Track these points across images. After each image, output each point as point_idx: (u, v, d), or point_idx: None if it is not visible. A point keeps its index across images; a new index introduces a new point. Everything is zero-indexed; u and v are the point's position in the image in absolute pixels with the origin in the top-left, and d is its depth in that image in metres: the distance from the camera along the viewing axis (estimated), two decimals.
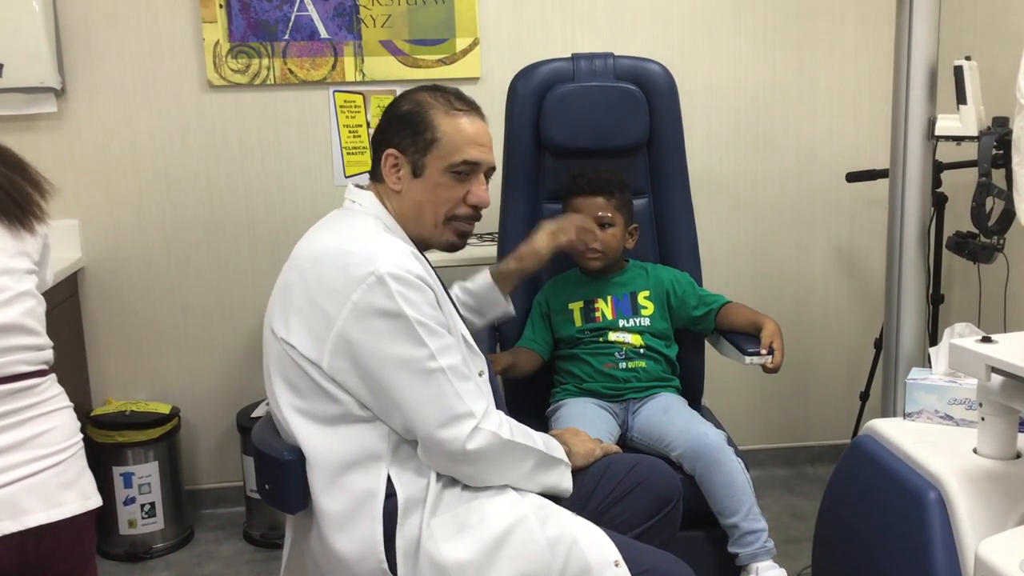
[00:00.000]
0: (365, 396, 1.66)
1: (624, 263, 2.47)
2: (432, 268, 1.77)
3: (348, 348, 1.63)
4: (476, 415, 1.65)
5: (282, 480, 1.74)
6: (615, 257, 2.41)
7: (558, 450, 1.83)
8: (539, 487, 1.78)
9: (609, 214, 2.35)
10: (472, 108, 1.82)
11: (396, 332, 1.61)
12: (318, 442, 1.68)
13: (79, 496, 1.61)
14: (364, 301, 1.60)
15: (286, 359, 1.69)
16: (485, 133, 1.81)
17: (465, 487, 1.72)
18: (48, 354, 1.66)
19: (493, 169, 1.84)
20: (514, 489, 1.74)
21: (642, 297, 2.42)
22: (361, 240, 1.69)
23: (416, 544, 1.65)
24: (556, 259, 2.51)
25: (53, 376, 1.66)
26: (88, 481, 1.65)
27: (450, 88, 1.84)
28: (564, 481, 1.82)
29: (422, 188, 1.76)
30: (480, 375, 1.77)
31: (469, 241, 1.88)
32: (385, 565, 1.65)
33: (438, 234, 1.79)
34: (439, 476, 1.70)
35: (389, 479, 1.67)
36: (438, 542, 1.64)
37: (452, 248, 1.83)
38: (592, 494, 1.88)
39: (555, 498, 1.80)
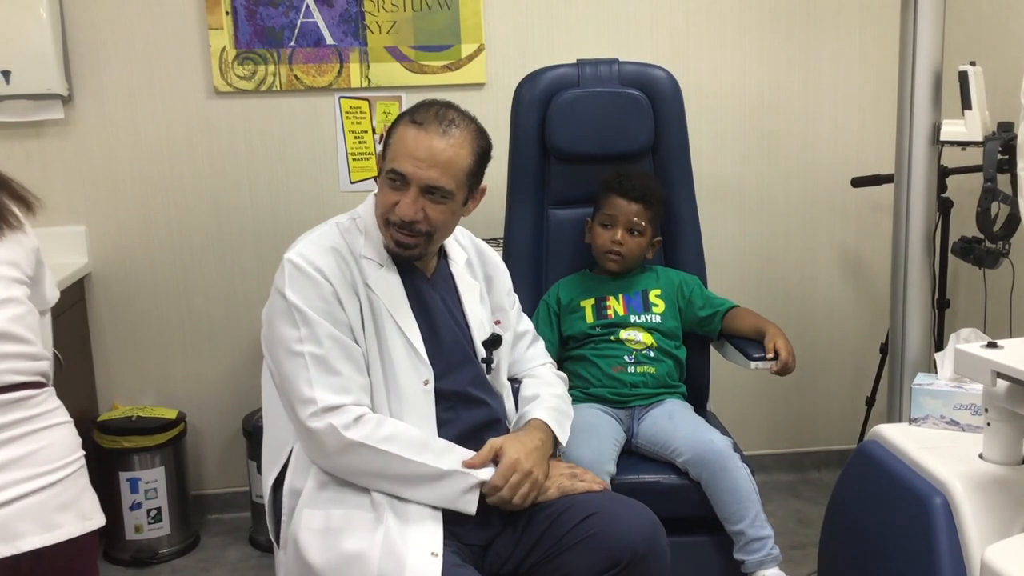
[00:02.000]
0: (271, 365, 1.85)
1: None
2: (401, 268, 1.87)
3: (265, 317, 1.84)
4: (318, 403, 1.73)
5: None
6: (633, 264, 2.44)
7: (452, 465, 1.76)
8: (427, 500, 1.75)
9: (643, 223, 2.39)
10: (432, 123, 1.78)
11: (280, 311, 1.79)
12: (268, 409, 1.92)
13: (78, 517, 1.50)
14: (275, 280, 1.82)
15: None
16: (425, 148, 1.75)
17: (350, 491, 1.77)
18: (43, 365, 1.56)
19: (439, 190, 1.78)
20: (396, 498, 1.75)
21: (653, 295, 2.43)
22: (314, 232, 1.89)
23: (289, 521, 1.79)
24: (565, 260, 2.52)
25: (51, 390, 1.57)
26: (89, 500, 1.55)
27: (440, 102, 1.84)
28: (460, 502, 1.75)
29: (379, 189, 1.86)
30: (426, 383, 1.83)
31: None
32: (272, 522, 1.88)
33: (384, 236, 1.85)
34: (320, 471, 1.79)
35: (291, 455, 1.84)
36: (301, 530, 1.75)
37: (394, 254, 1.86)
38: (541, 538, 1.80)
39: (514, 515, 1.81)
